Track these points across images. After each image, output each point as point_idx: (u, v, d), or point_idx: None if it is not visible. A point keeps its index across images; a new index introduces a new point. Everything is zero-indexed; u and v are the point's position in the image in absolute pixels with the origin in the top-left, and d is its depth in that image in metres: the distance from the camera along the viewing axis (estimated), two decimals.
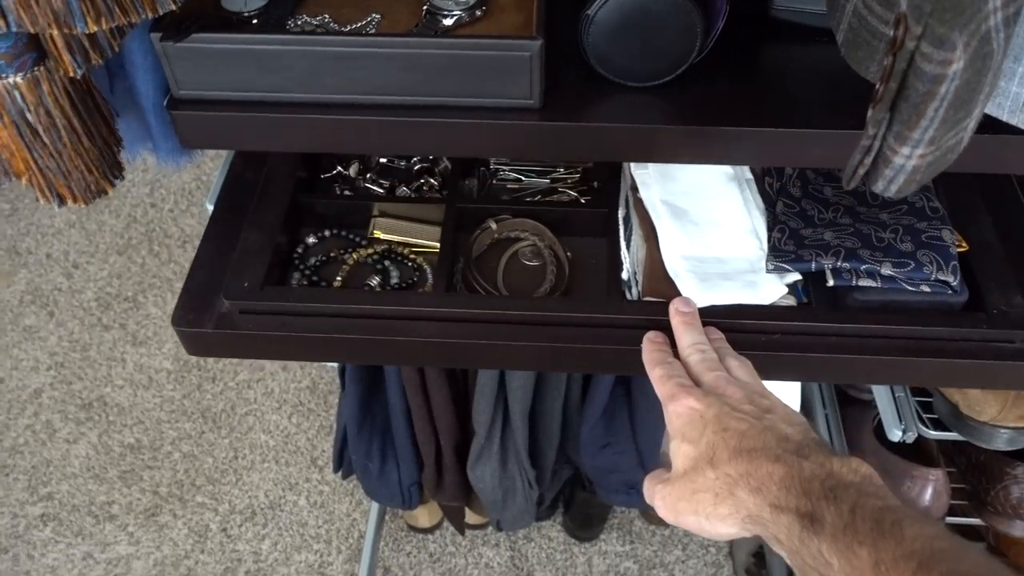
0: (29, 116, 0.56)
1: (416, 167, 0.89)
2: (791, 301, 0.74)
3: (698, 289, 0.72)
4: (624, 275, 0.76)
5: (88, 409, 1.69)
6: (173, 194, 2.03)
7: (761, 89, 0.61)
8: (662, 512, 0.59)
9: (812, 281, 0.74)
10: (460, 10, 0.58)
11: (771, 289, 0.73)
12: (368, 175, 0.88)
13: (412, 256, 0.81)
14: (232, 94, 0.58)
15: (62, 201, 0.62)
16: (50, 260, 1.91)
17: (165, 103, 0.60)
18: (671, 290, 0.73)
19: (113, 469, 1.62)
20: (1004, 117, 0.53)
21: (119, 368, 1.74)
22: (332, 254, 0.81)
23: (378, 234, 0.81)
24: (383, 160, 0.90)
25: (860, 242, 0.73)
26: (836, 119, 0.57)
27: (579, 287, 0.79)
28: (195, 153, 0.73)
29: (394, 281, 0.79)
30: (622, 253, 0.77)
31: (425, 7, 0.58)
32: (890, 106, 0.43)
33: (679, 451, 0.59)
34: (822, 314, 0.72)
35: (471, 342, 0.72)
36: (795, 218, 0.78)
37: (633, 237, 0.79)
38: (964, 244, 0.75)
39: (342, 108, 0.58)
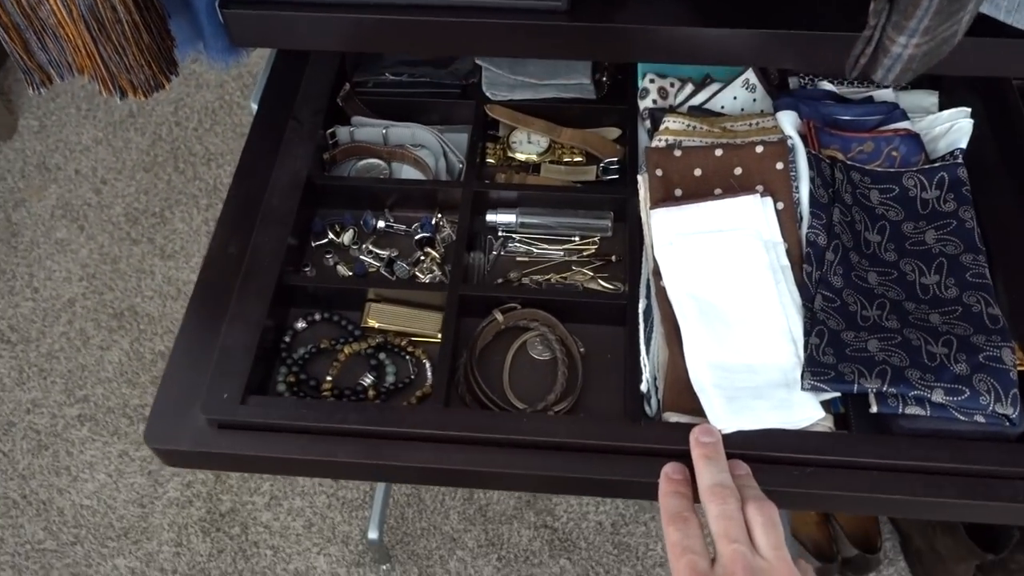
0: (97, 10, 0.61)
1: (417, 235, 0.80)
2: (828, 423, 0.66)
3: (725, 410, 0.64)
4: (643, 386, 0.68)
5: (120, 318, 1.73)
6: (197, 113, 2.02)
7: None
8: None
9: (852, 396, 0.67)
10: None
11: (806, 410, 0.65)
12: (363, 245, 0.80)
13: (410, 349, 0.74)
14: None
15: (123, 94, 0.67)
16: (79, 176, 1.94)
17: (217, 2, 0.64)
18: (694, 405, 0.66)
19: (145, 375, 1.66)
20: (1001, 17, 0.58)
21: (148, 280, 1.78)
22: (323, 345, 0.74)
23: (372, 323, 0.74)
24: (380, 224, 0.82)
25: (908, 359, 0.65)
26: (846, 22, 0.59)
27: (593, 391, 0.72)
28: (242, 53, 0.75)
29: (390, 380, 0.72)
30: (641, 358, 0.69)
31: None
32: None
33: None
34: (863, 445, 0.64)
35: (471, 469, 0.65)
36: (835, 316, 0.69)
37: (654, 336, 0.71)
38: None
39: (384, 8, 0.63)
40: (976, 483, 0.63)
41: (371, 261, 0.79)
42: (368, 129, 0.85)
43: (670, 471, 0.62)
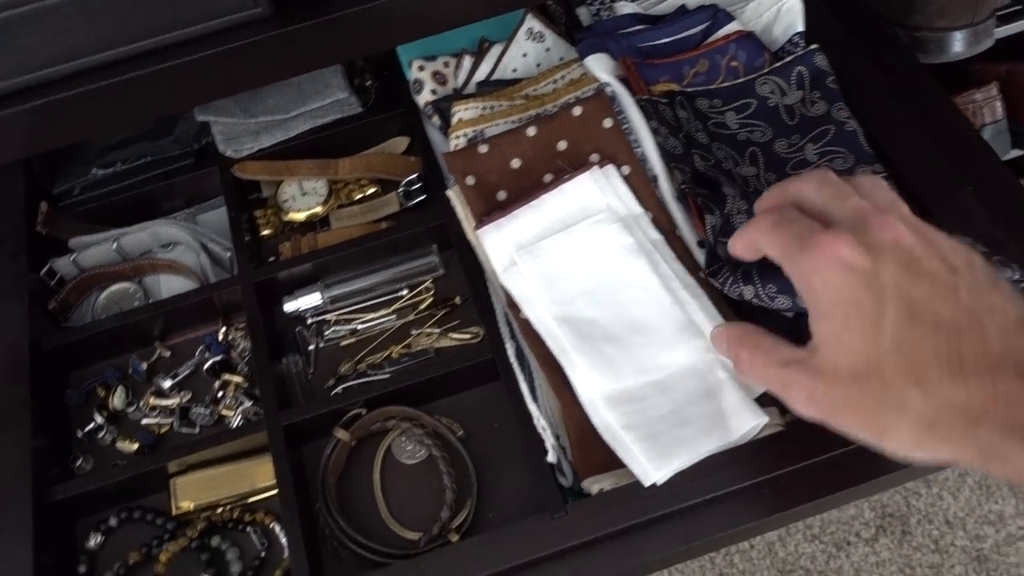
0: None
1: (208, 362, 0.61)
2: (777, 420, 0.53)
3: (649, 455, 0.49)
4: (550, 457, 0.52)
5: None
6: None
7: None
8: (804, 408, 0.38)
9: None
10: None
11: (744, 419, 0.51)
12: (141, 402, 0.60)
13: (248, 518, 0.55)
14: None
15: None
16: None
17: None
18: (614, 457, 0.51)
19: None
20: None
21: None
22: (132, 560, 0.54)
23: (186, 505, 0.55)
24: (158, 381, 0.62)
25: None
26: None
27: (493, 483, 0.56)
28: None
29: (236, 571, 0.54)
30: (535, 419, 0.54)
31: None
32: None
33: (839, 341, 0.37)
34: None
35: None
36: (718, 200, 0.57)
37: (538, 384, 0.55)
38: None
39: (55, 86, 0.47)
40: None
41: (158, 420, 0.60)
42: (95, 249, 0.65)
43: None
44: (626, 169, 0.60)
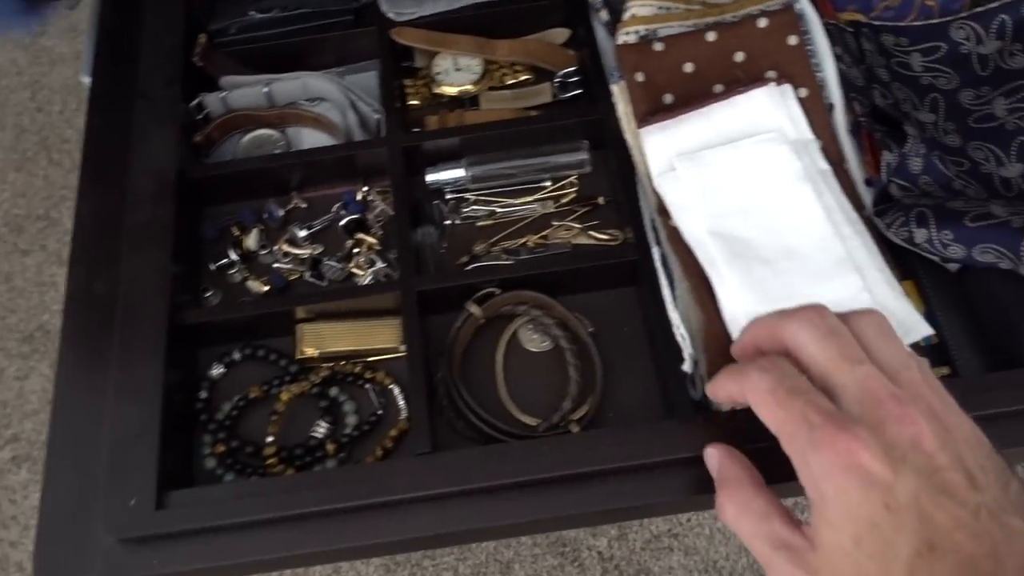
0: None
1: (342, 220, 0.61)
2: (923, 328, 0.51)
3: None
4: (686, 365, 0.51)
5: (31, 341, 1.56)
6: (58, 93, 1.77)
7: None
8: None
9: None
10: None
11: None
12: (275, 247, 0.61)
13: (368, 375, 0.56)
14: None
15: None
16: None
17: None
18: None
19: None
20: None
21: (52, 292, 1.59)
22: (252, 394, 0.55)
23: (310, 352, 0.56)
24: (295, 226, 0.62)
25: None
26: None
27: (617, 383, 0.55)
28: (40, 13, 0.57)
29: (351, 423, 0.55)
30: (674, 327, 0.52)
31: None
32: None
33: (846, 555, 0.34)
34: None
35: (483, 527, 0.49)
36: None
37: (678, 294, 0.54)
38: None
39: None
40: None
41: (290, 267, 0.60)
42: (245, 91, 0.64)
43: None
44: (803, 92, 0.57)
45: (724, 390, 0.42)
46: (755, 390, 0.38)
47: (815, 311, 0.39)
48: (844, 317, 0.40)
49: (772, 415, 0.37)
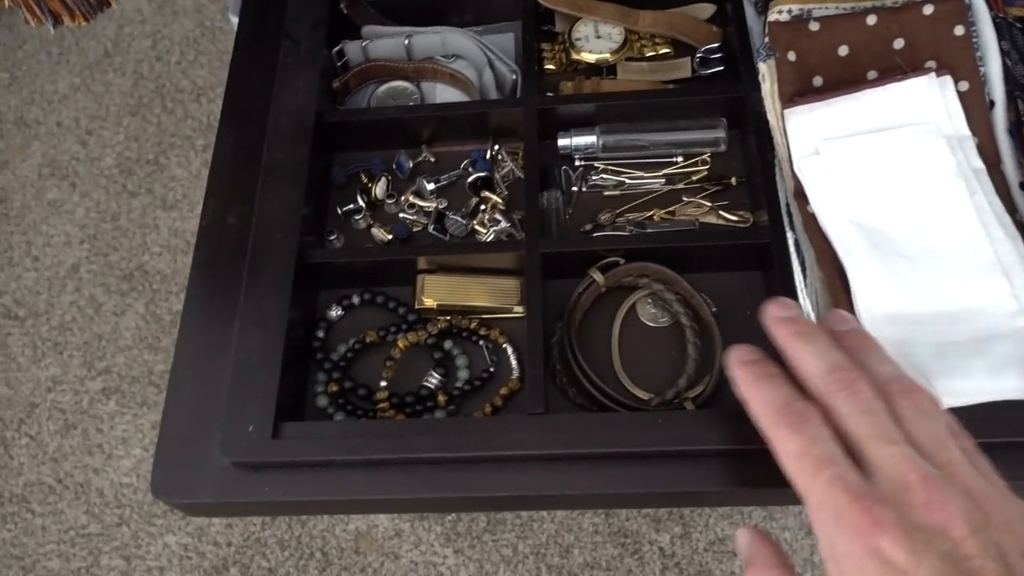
0: None
1: (470, 176, 0.61)
2: None
3: (933, 373, 0.47)
4: None
5: (130, 279, 1.62)
6: (178, 44, 1.84)
7: None
8: None
9: None
10: None
11: None
12: (401, 197, 0.61)
13: (484, 332, 0.56)
14: None
15: (57, 20, 0.57)
16: (62, 129, 1.79)
17: None
18: None
19: (166, 338, 1.56)
20: None
21: (153, 235, 1.66)
22: (369, 339, 0.56)
23: (429, 302, 0.56)
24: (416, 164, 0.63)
25: None
26: None
27: None
28: None
29: (462, 377, 0.55)
30: (807, 315, 0.51)
31: None
32: None
33: None
34: None
35: (593, 493, 0.48)
36: None
37: (810, 279, 0.53)
38: None
39: None
40: None
41: (414, 218, 0.61)
42: (385, 41, 0.65)
43: (741, 354, 0.43)
44: (963, 85, 0.54)
45: (743, 399, 0.41)
46: (784, 450, 0.37)
47: (853, 387, 0.38)
48: (886, 391, 0.38)
49: (799, 480, 0.36)
